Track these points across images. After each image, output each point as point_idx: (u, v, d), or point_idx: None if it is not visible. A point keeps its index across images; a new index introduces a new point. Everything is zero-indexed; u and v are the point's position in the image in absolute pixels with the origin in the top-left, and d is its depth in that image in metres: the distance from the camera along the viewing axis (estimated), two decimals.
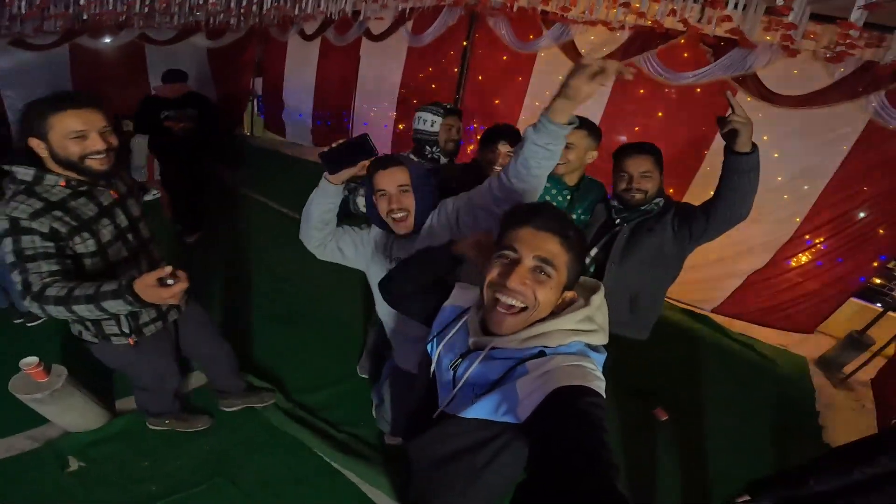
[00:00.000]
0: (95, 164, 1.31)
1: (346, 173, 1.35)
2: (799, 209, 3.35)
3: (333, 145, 1.32)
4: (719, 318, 3.81)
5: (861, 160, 3.06)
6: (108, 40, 4.72)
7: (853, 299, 3.51)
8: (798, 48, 2.64)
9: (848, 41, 2.37)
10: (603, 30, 3.40)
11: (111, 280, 1.22)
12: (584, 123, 1.81)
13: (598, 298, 0.92)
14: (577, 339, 0.87)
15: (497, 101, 4.50)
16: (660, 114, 3.70)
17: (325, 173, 1.37)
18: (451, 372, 1.00)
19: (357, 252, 1.56)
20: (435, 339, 1.09)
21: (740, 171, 1.46)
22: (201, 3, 3.41)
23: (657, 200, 1.78)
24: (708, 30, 2.88)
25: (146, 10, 3.47)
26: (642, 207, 1.78)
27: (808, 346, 3.57)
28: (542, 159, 1.13)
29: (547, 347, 0.87)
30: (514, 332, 0.90)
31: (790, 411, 2.96)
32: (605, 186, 2.05)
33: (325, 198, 1.44)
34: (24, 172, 1.28)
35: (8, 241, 1.24)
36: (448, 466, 1.02)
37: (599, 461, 0.66)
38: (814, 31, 2.50)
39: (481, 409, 0.89)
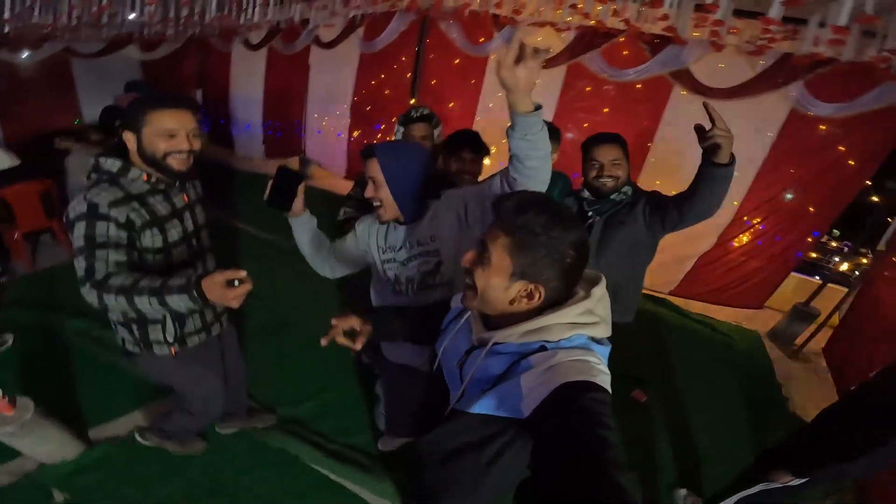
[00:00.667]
0: (175, 162, 1.41)
1: (298, 203, 1.47)
2: (736, 193, 3.71)
3: (267, 192, 1.43)
4: (677, 300, 4.14)
5: (787, 146, 3.46)
6: (26, 54, 4.47)
7: (794, 274, 3.92)
8: (724, 43, 2.99)
9: (768, 35, 2.72)
10: (551, 31, 3.66)
11: (177, 276, 1.27)
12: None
13: (600, 290, 0.91)
14: (578, 332, 0.87)
15: (452, 105, 4.68)
16: (606, 110, 4.02)
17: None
18: (458, 369, 1.02)
19: (360, 249, 1.64)
20: (441, 337, 1.13)
21: (719, 179, 1.52)
22: (135, 14, 3.34)
23: (626, 189, 1.88)
24: (646, 28, 3.20)
25: (74, 22, 3.36)
26: (612, 196, 1.87)
27: (760, 321, 3.94)
28: (529, 150, 1.18)
29: (548, 342, 0.87)
30: (474, 308, 0.96)
31: (754, 385, 3.23)
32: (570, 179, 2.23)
33: (300, 229, 1.56)
34: (112, 163, 1.39)
35: (81, 226, 1.29)
36: (454, 462, 1.04)
37: (602, 461, 0.66)
38: (736, 27, 2.84)
39: (484, 405, 0.91)
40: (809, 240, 3.73)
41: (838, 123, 3.20)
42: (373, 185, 1.41)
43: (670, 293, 4.22)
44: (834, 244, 3.75)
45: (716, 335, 3.76)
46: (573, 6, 3.17)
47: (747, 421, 2.89)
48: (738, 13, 2.69)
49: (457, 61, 4.44)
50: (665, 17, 2.89)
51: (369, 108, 5.22)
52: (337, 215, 2.20)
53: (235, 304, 1.17)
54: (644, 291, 4.24)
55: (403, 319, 1.28)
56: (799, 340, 3.72)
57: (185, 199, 1.56)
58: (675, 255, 4.01)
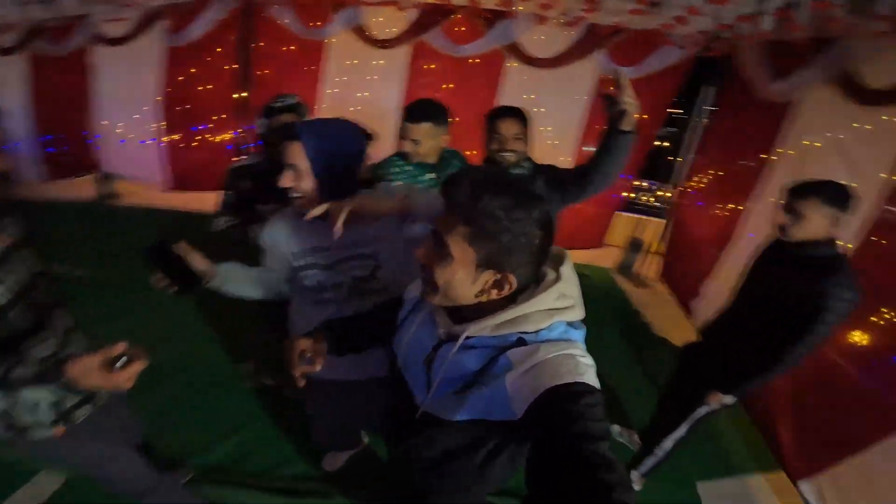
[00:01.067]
0: None
1: (199, 264, 1.26)
2: (566, 150, 4.36)
3: (163, 283, 1.21)
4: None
5: (596, 107, 4.18)
6: None
7: (621, 213, 4.75)
8: (547, 16, 3.48)
9: (582, 8, 3.26)
10: (392, 10, 3.71)
11: (21, 359, 0.93)
12: (425, 115, 1.90)
13: (568, 269, 0.88)
14: (556, 319, 0.82)
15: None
16: (450, 85, 4.28)
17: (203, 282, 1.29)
18: (424, 367, 0.95)
19: (279, 260, 1.41)
20: (398, 333, 1.06)
21: (622, 147, 1.59)
22: None
23: (525, 164, 1.95)
24: (483, 3, 3.50)
25: None
26: (513, 171, 1.91)
27: (608, 259, 4.71)
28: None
29: (526, 333, 0.82)
30: (438, 304, 0.90)
31: (618, 316, 3.79)
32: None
33: (230, 285, 1.37)
34: None
35: None
36: (445, 467, 1.00)
37: (606, 485, 0.62)
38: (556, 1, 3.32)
39: (471, 411, 0.86)
40: (622, 181, 4.62)
41: (632, 85, 4.01)
42: (293, 173, 1.21)
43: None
44: (642, 183, 4.71)
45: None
46: None
47: (630, 351, 3.37)
48: None
49: (292, 48, 4.16)
50: None
51: (185, 108, 4.52)
52: (209, 227, 1.93)
53: (128, 386, 0.94)
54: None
55: (359, 325, 1.15)
56: (637, 269, 4.56)
57: (7, 239, 1.16)
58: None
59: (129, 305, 3.07)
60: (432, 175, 2.01)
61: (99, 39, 4.02)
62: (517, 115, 1.91)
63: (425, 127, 1.90)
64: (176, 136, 4.63)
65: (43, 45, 4.13)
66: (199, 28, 3.83)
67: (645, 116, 4.19)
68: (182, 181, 4.75)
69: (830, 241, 1.59)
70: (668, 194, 4.53)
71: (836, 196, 1.55)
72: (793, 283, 1.58)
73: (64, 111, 4.58)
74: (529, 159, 1.98)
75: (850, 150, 2.66)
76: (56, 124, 4.64)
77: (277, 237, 1.37)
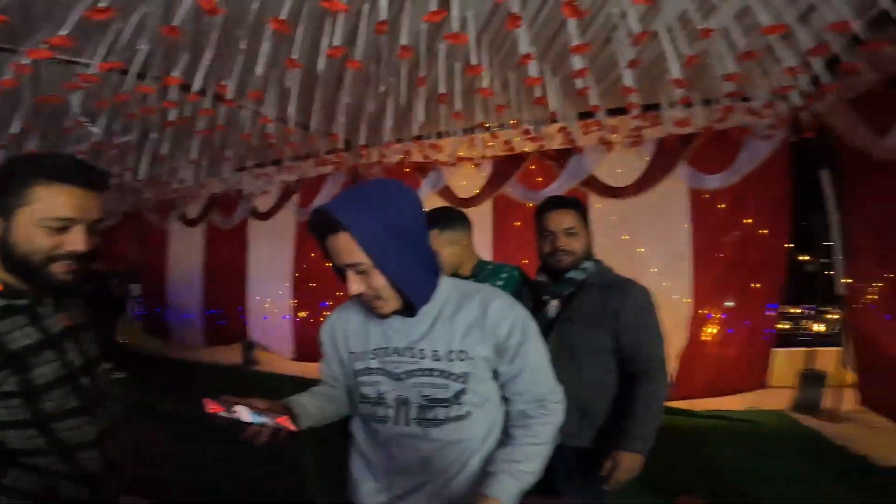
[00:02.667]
0: (62, 271, 0.98)
1: (277, 408, 1.06)
2: (682, 290, 4.05)
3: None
4: (680, 404, 3.94)
5: (703, 232, 3.99)
6: None
7: (780, 350, 4.04)
8: (611, 140, 3.84)
9: (636, 127, 3.57)
10: (468, 167, 4.50)
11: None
12: (433, 223, 1.70)
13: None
14: None
15: None
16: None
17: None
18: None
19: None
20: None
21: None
22: None
23: (586, 265, 1.68)
24: (549, 144, 4.06)
25: None
26: (569, 274, 1.66)
27: (772, 402, 3.94)
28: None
29: None
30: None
31: (819, 457, 3.15)
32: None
33: (313, 420, 1.16)
34: None
35: None
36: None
37: None
38: (614, 124, 3.71)
39: None
40: (770, 314, 3.96)
41: (732, 195, 3.86)
42: (356, 276, 1.00)
43: (668, 400, 4.03)
44: (797, 310, 4.02)
45: (735, 424, 3.68)
46: (491, 134, 3.96)
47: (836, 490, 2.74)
48: (612, 111, 3.57)
49: None
50: (564, 130, 3.76)
51: (314, 285, 5.48)
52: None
53: None
54: None
55: None
56: (825, 404, 3.76)
57: (65, 321, 1.07)
58: None
59: None
60: None
61: (253, 213, 5.42)
62: (569, 204, 1.71)
63: (433, 234, 1.69)
64: (302, 314, 5.57)
65: (216, 218, 5.65)
66: (320, 201, 5.05)
67: (765, 231, 3.87)
68: (304, 352, 5.42)
69: None
70: (836, 315, 3.75)
71: None
72: None
73: (227, 284, 5.92)
74: (598, 262, 1.73)
75: None
76: (220, 298, 5.99)
77: (334, 331, 1.22)
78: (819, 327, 3.99)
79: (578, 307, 1.65)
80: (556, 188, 4.30)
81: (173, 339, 6.39)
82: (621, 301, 1.61)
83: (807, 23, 2.24)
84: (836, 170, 3.55)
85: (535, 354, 1.12)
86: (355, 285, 1.01)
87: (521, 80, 3.20)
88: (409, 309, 1.06)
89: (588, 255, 1.71)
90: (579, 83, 2.57)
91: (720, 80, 2.76)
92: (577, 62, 2.40)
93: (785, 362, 4.03)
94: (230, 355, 5.87)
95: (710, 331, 4.09)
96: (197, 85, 2.58)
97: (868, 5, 2.27)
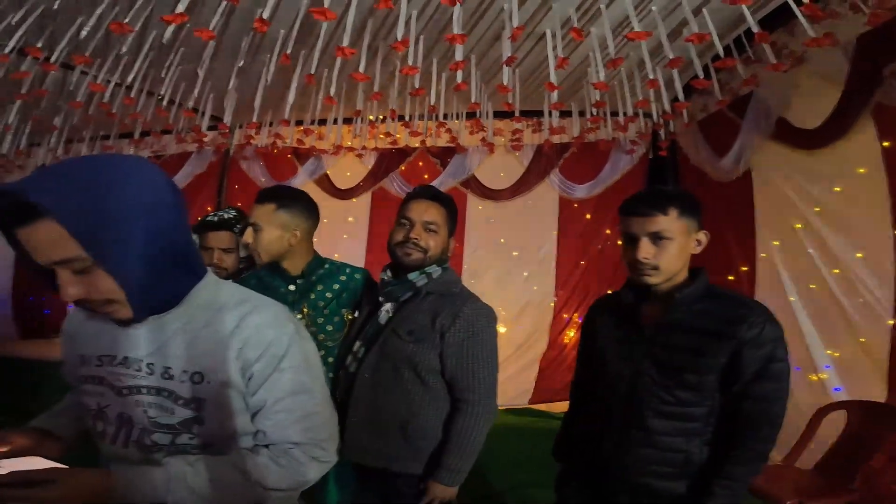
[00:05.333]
0: None
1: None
2: (548, 292, 4.25)
3: None
4: (540, 407, 4.12)
5: (567, 237, 4.21)
6: None
7: None
8: (494, 143, 3.89)
9: (516, 130, 3.67)
10: (352, 157, 4.29)
11: None
12: (268, 197, 1.59)
13: None
14: None
15: None
16: None
17: None
18: None
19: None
20: None
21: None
22: None
23: (432, 269, 1.48)
24: (435, 142, 4.01)
25: None
26: (411, 276, 1.46)
27: None
28: None
29: None
30: None
31: None
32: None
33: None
34: None
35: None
36: None
37: None
38: (499, 127, 3.77)
39: None
40: None
41: (593, 205, 4.13)
42: (72, 276, 0.75)
43: (529, 402, 4.21)
44: None
45: None
46: (374, 126, 3.82)
47: None
48: (497, 115, 3.62)
49: None
50: (447, 129, 3.72)
51: None
52: None
53: None
54: (503, 407, 4.23)
55: None
56: None
57: None
58: (517, 367, 4.22)
59: None
60: (291, 288, 1.62)
61: None
62: (439, 198, 1.52)
63: (267, 208, 1.56)
64: None
65: None
66: (178, 182, 4.47)
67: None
68: None
69: None
70: None
71: None
72: None
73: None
74: (443, 266, 1.53)
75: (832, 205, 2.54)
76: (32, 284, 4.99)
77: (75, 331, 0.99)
78: None
79: (408, 316, 1.46)
80: (437, 185, 4.26)
81: None
82: (452, 319, 1.41)
83: (674, 38, 2.38)
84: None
85: (289, 390, 0.88)
86: (72, 289, 0.74)
87: (402, 71, 3.11)
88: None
89: (440, 261, 1.51)
90: (459, 76, 2.50)
91: (591, 90, 2.90)
92: (458, 53, 2.33)
93: None
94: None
95: (570, 334, 4.30)
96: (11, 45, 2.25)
97: (732, 27, 2.52)
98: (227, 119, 3.44)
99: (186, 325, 0.87)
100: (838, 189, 2.57)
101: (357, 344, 1.52)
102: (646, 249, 1.20)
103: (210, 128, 3.98)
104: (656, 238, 1.20)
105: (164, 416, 0.85)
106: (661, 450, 1.21)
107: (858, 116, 2.21)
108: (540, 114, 3.51)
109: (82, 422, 0.96)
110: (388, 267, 1.55)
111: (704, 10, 2.23)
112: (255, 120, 3.40)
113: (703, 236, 1.27)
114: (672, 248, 1.20)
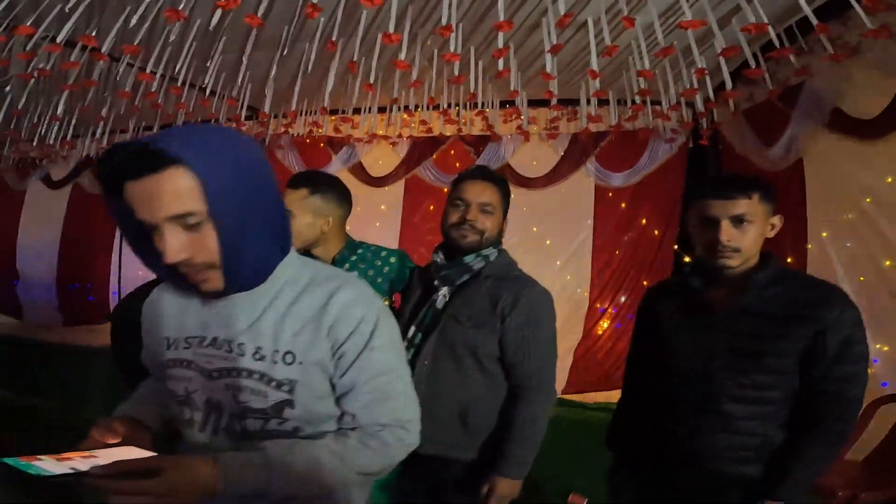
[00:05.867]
0: None
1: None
2: (581, 283, 4.22)
3: None
4: (574, 397, 4.11)
5: (604, 229, 4.15)
6: None
7: None
8: (530, 132, 3.86)
9: (554, 118, 3.63)
10: (384, 146, 4.30)
11: None
12: (301, 182, 1.59)
13: None
14: None
15: None
16: None
17: None
18: None
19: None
20: None
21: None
22: None
23: (488, 252, 1.47)
24: (469, 130, 3.99)
25: None
26: (467, 259, 1.45)
27: None
28: None
29: None
30: None
31: None
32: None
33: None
34: None
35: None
36: None
37: None
38: (533, 116, 3.74)
39: None
40: None
41: (631, 195, 4.07)
42: (182, 232, 0.75)
43: (563, 393, 4.21)
44: None
45: None
46: (411, 115, 3.80)
47: None
48: (532, 103, 3.58)
49: None
50: (483, 116, 3.70)
51: None
52: None
53: None
54: None
55: None
56: None
57: None
58: None
59: None
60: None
61: None
62: (493, 178, 1.51)
63: (298, 194, 1.54)
64: None
65: (87, 181, 4.94)
66: None
67: (656, 233, 4.11)
68: None
69: None
70: None
71: None
72: None
73: (91, 254, 5.17)
74: (499, 248, 1.52)
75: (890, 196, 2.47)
76: (79, 268, 5.22)
77: (154, 307, 0.99)
78: None
79: (467, 301, 1.44)
80: None
81: (25, 318, 5.46)
82: (513, 303, 1.40)
83: (724, 26, 2.32)
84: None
85: (382, 368, 0.87)
86: (178, 246, 0.73)
87: (442, 57, 3.11)
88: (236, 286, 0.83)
89: (495, 243, 1.50)
90: (500, 64, 2.49)
91: (634, 78, 2.85)
92: (500, 40, 2.32)
93: None
94: (94, 337, 5.13)
95: (604, 325, 4.27)
96: (63, 35, 2.23)
97: (784, 16, 2.45)
98: (267, 108, 3.49)
99: (274, 303, 0.86)
100: (890, 180, 2.50)
101: (412, 330, 1.50)
102: (728, 232, 1.20)
103: (247, 118, 4.05)
104: (739, 221, 1.21)
105: (256, 399, 0.83)
106: (737, 434, 1.21)
107: None
108: (576, 102, 3.47)
109: (166, 410, 0.95)
110: (440, 248, 1.54)
111: None
112: (293, 108, 3.45)
113: (777, 220, 1.27)
114: (753, 231, 1.22)
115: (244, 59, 2.86)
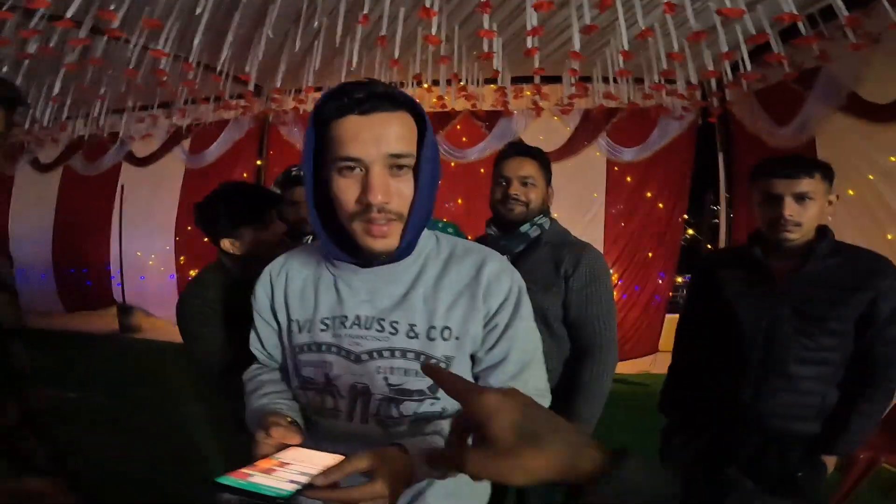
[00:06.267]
0: None
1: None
2: None
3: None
4: None
5: (614, 202, 4.28)
6: None
7: (670, 316, 4.48)
8: (542, 107, 3.87)
9: (571, 95, 3.65)
10: None
11: None
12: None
13: None
14: None
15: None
16: (459, 200, 4.56)
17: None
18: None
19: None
20: None
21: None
22: None
23: (540, 220, 1.53)
24: (480, 105, 3.97)
25: None
26: (523, 228, 1.50)
27: (664, 365, 4.25)
28: None
29: None
30: None
31: None
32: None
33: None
34: None
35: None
36: None
37: None
38: (546, 92, 3.74)
39: None
40: (659, 282, 4.43)
41: (642, 169, 4.19)
42: (394, 173, 0.74)
43: None
44: (680, 279, 4.52)
45: (631, 388, 3.86)
46: (426, 88, 3.73)
47: None
48: (545, 79, 3.59)
49: None
50: (501, 91, 3.68)
51: (207, 239, 4.89)
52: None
53: None
54: None
55: None
56: None
57: None
58: None
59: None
60: None
61: (129, 158, 4.63)
62: (529, 152, 1.56)
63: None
64: (193, 273, 4.93)
65: (78, 163, 4.75)
66: (217, 149, 4.44)
67: (661, 206, 4.25)
68: None
69: None
70: None
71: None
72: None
73: (87, 238, 5.02)
74: (549, 217, 1.57)
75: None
76: (76, 253, 5.06)
77: (289, 286, 0.90)
78: None
79: (531, 268, 1.45)
80: (482, 148, 4.28)
81: (23, 304, 5.26)
82: (574, 264, 1.44)
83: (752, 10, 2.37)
84: (729, 154, 3.98)
85: (527, 339, 0.85)
86: (384, 187, 0.72)
87: (472, 33, 3.07)
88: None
89: (544, 211, 1.55)
90: (529, 42, 2.49)
91: (655, 59, 2.88)
92: (533, 19, 2.32)
93: (671, 328, 4.46)
94: (96, 321, 5.04)
95: (616, 296, 4.46)
96: (71, 11, 2.14)
97: (807, 3, 2.50)
98: (278, 83, 3.39)
99: (422, 277, 0.82)
100: (893, 159, 2.67)
101: None
102: (791, 208, 1.30)
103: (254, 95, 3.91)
104: (801, 198, 1.30)
105: (412, 380, 0.79)
106: (800, 394, 1.32)
107: None
108: (588, 79, 3.51)
109: (294, 401, 0.87)
110: (492, 222, 1.59)
111: None
112: (311, 84, 3.36)
113: (834, 198, 1.36)
114: (814, 207, 1.30)
115: (269, 31, 2.74)
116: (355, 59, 2.88)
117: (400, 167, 0.73)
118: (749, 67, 2.62)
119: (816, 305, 1.30)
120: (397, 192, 0.73)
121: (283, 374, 0.93)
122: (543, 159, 1.56)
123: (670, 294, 4.51)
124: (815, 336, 1.30)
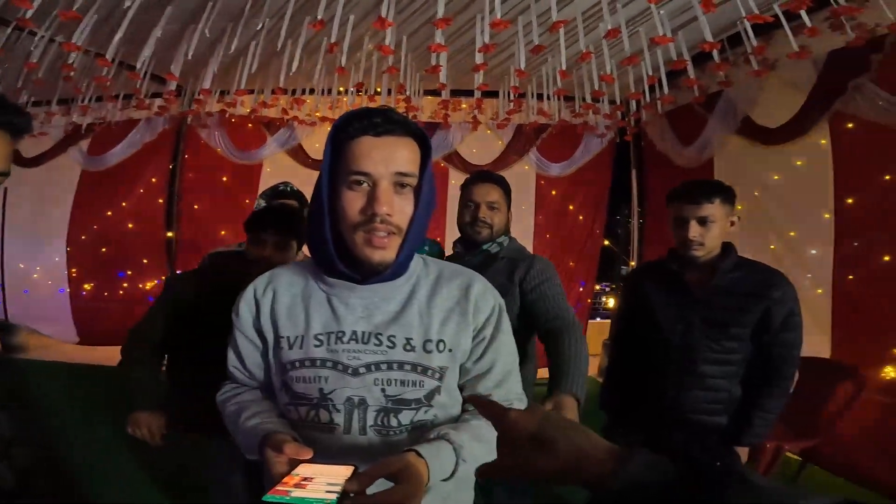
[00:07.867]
0: None
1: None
2: None
3: None
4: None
5: (542, 213, 4.57)
6: None
7: (594, 321, 4.89)
8: (479, 121, 4.04)
9: (508, 111, 3.84)
10: (328, 128, 4.13)
11: None
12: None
13: None
14: None
15: (223, 233, 4.45)
16: None
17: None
18: None
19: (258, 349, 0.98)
20: None
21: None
22: None
23: (502, 240, 1.70)
24: (421, 116, 4.01)
25: None
26: (486, 246, 1.68)
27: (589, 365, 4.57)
28: None
29: None
30: None
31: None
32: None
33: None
34: None
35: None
36: None
37: None
38: (484, 106, 3.90)
39: None
40: (581, 290, 4.79)
41: (565, 184, 4.52)
42: (398, 190, 0.81)
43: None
44: (597, 287, 4.94)
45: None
46: (368, 97, 3.70)
47: None
48: (486, 94, 3.74)
49: (224, 178, 4.39)
50: (444, 104, 3.74)
51: (104, 250, 4.41)
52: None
53: None
54: None
55: None
56: None
57: None
58: None
59: None
60: None
61: (14, 158, 4.00)
62: (495, 180, 1.73)
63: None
64: (87, 287, 4.38)
65: None
66: (122, 151, 4.02)
67: (581, 218, 4.61)
68: (91, 335, 4.32)
69: None
70: None
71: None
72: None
73: None
74: (509, 236, 1.74)
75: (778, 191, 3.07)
76: None
77: (276, 302, 0.93)
78: (610, 302, 4.83)
79: (489, 278, 1.50)
80: None
81: None
82: (526, 270, 1.62)
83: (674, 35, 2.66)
84: (641, 171, 4.44)
85: (508, 350, 0.95)
86: (389, 201, 0.79)
87: (420, 45, 3.12)
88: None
89: (505, 232, 1.74)
90: (479, 58, 2.63)
91: (586, 80, 3.16)
92: (486, 36, 2.45)
93: (592, 332, 4.82)
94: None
95: None
96: None
97: (719, 32, 2.86)
98: (207, 84, 3.17)
99: (416, 295, 0.89)
100: (777, 177, 3.14)
101: None
102: (695, 230, 1.52)
103: (176, 95, 3.61)
104: (703, 221, 1.51)
105: (410, 390, 0.84)
106: (710, 390, 1.55)
107: (818, 120, 2.73)
108: (524, 95, 3.73)
109: (286, 418, 0.89)
110: (459, 242, 1.78)
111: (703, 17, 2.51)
112: (243, 87, 3.19)
113: (736, 219, 1.59)
114: (715, 229, 1.52)
115: (209, 30, 2.58)
116: (296, 64, 2.79)
117: (403, 185, 0.82)
118: (666, 90, 2.96)
119: (721, 313, 1.54)
120: (399, 208, 0.82)
121: (264, 393, 0.95)
122: (506, 186, 1.74)
123: (589, 301, 4.90)
124: (719, 340, 1.53)
